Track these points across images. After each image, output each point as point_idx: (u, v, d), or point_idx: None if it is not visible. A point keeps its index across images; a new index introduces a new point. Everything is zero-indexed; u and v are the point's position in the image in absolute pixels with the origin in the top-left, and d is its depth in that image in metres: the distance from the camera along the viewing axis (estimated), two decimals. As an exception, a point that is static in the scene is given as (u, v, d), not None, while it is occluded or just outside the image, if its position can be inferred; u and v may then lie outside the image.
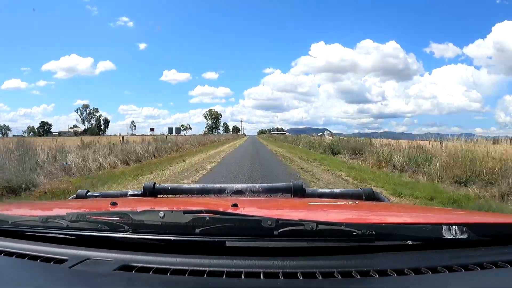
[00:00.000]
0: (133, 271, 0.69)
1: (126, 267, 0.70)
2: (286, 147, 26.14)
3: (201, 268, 0.69)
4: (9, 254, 0.79)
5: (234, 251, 0.74)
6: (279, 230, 0.73)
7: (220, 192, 1.36)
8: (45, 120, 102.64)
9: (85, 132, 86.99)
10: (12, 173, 6.33)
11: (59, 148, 9.95)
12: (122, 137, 16.44)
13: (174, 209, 0.90)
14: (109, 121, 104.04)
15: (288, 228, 0.74)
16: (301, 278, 0.67)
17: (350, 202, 1.23)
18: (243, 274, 0.67)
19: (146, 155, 13.88)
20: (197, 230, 0.75)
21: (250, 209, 1.12)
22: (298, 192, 1.32)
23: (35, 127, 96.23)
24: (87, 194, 1.36)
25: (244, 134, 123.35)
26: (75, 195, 1.38)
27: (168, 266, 0.70)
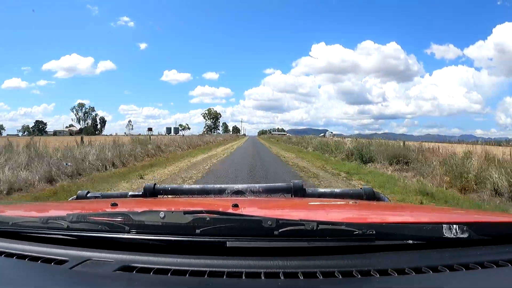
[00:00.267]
0: (134, 272, 0.69)
1: (126, 268, 0.70)
2: (294, 151, 21.81)
3: (202, 269, 0.69)
4: (9, 255, 0.79)
5: (234, 251, 0.74)
6: (280, 230, 0.73)
7: (220, 192, 1.36)
8: (41, 119, 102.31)
9: (80, 131, 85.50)
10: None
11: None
12: (82, 138, 12.22)
13: (175, 209, 0.90)
14: (105, 121, 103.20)
15: (288, 228, 0.74)
16: (301, 278, 0.66)
17: (351, 201, 1.23)
18: (243, 275, 0.67)
19: (96, 164, 9.57)
20: (197, 231, 0.75)
21: (251, 209, 1.12)
22: (299, 192, 1.32)
23: (30, 127, 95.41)
24: (88, 195, 1.36)
25: (244, 135, 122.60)
26: (75, 196, 1.38)
27: (168, 267, 0.70)
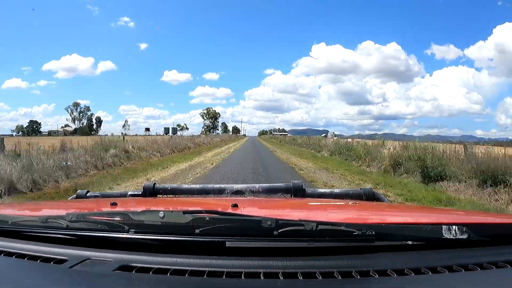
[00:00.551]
0: (133, 271, 0.69)
1: (126, 267, 0.70)
2: (306, 156, 16.72)
3: (201, 269, 0.69)
4: (9, 254, 0.79)
5: (234, 251, 0.74)
6: (279, 230, 0.73)
7: (220, 192, 1.36)
8: (35, 120, 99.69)
9: (75, 131, 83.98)
10: None
11: None
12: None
13: (174, 209, 0.90)
14: (101, 121, 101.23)
15: (288, 228, 0.74)
16: (301, 278, 0.66)
17: (350, 202, 1.24)
18: (243, 275, 0.67)
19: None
20: (197, 230, 0.75)
21: (250, 209, 1.12)
22: (298, 192, 1.32)
23: (24, 126, 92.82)
24: (87, 194, 1.36)
25: (244, 135, 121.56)
26: (75, 195, 1.38)
27: (168, 266, 0.70)
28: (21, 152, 8.46)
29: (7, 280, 0.69)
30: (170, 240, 0.77)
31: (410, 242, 0.76)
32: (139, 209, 0.88)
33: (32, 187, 6.63)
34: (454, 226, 0.77)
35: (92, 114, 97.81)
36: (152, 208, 0.95)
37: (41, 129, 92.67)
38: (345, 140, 21.08)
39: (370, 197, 1.30)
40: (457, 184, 6.96)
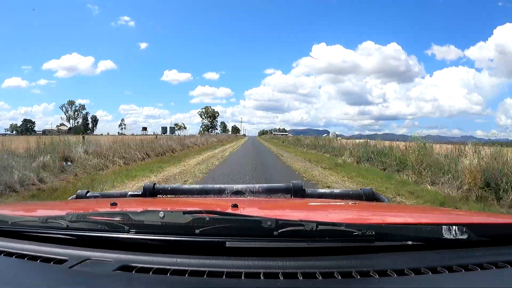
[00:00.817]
0: (133, 272, 0.69)
1: (126, 268, 0.70)
2: (331, 166, 11.70)
3: (201, 269, 0.69)
4: (9, 254, 0.79)
5: (234, 251, 0.74)
6: (279, 231, 0.73)
7: (220, 192, 1.36)
8: (28, 119, 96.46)
9: (69, 130, 79.63)
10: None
11: None
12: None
13: (174, 209, 0.90)
14: (97, 120, 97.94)
15: (288, 229, 0.74)
16: (301, 278, 0.67)
17: (350, 202, 1.24)
18: (243, 275, 0.67)
19: None
20: (197, 231, 0.75)
21: (250, 209, 1.12)
22: (298, 192, 1.32)
23: (18, 125, 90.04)
24: (87, 195, 1.36)
25: (244, 135, 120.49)
26: (75, 195, 1.38)
27: (168, 267, 0.70)
28: None
29: (7, 280, 0.69)
30: (170, 240, 0.77)
31: (410, 242, 0.76)
32: (139, 209, 0.88)
33: None
34: (454, 226, 0.77)
35: (87, 113, 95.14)
36: (152, 208, 0.95)
37: (36, 128, 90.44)
38: (362, 141, 15.95)
39: (370, 197, 1.30)
40: None
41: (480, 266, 0.71)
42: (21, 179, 6.47)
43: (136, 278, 0.67)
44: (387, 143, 12.81)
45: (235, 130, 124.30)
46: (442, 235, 0.76)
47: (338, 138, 24.86)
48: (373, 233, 0.74)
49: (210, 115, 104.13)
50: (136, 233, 0.79)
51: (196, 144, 26.01)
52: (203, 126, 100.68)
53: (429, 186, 7.20)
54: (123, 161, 11.46)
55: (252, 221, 0.76)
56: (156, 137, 21.48)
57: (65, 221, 0.83)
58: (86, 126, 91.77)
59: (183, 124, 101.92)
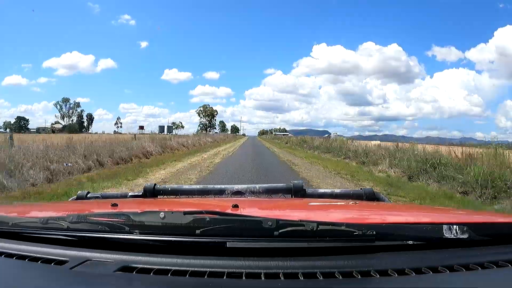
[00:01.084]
0: (134, 272, 0.69)
1: (126, 268, 0.71)
2: (382, 181, 8.30)
3: (202, 269, 0.69)
4: (9, 255, 0.79)
5: (234, 251, 0.74)
6: (280, 231, 0.73)
7: (220, 193, 1.36)
8: (22, 116, 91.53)
9: (63, 129, 77.01)
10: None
11: None
12: None
13: (175, 210, 0.90)
14: (93, 118, 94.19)
15: (288, 229, 0.74)
16: (302, 278, 0.67)
17: (351, 202, 1.24)
18: (243, 275, 0.67)
19: None
20: (197, 231, 0.75)
21: (251, 209, 1.12)
22: (299, 192, 1.32)
23: (12, 123, 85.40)
24: (88, 195, 1.36)
25: (243, 135, 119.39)
26: (75, 196, 1.38)
27: (168, 267, 0.70)
28: None
29: (8, 282, 0.69)
30: (171, 240, 0.77)
31: (410, 242, 0.76)
32: (140, 210, 0.88)
33: None
34: (454, 226, 0.77)
35: (82, 111, 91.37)
36: (153, 209, 0.95)
37: (29, 126, 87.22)
38: (390, 144, 13.33)
39: (371, 197, 1.30)
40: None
41: (481, 266, 0.71)
42: None
43: (137, 279, 0.68)
44: (419, 146, 10.62)
45: (235, 129, 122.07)
46: (442, 234, 0.76)
47: (351, 139, 21.78)
48: (374, 232, 0.74)
49: (209, 113, 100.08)
50: (137, 233, 0.79)
51: (184, 146, 21.20)
52: (201, 125, 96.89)
53: None
54: (48, 174, 7.55)
55: (253, 221, 0.76)
56: (135, 136, 17.08)
57: (66, 222, 0.83)
58: (81, 124, 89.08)
59: (181, 123, 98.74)
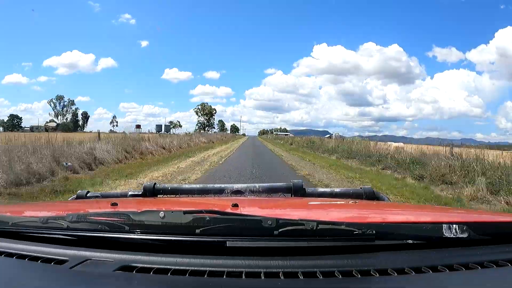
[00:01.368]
0: (134, 272, 0.69)
1: (126, 268, 0.71)
2: None
3: (202, 268, 0.69)
4: (9, 255, 0.79)
5: (234, 251, 0.74)
6: (280, 230, 0.73)
7: (220, 192, 1.36)
8: (15, 114, 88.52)
9: (57, 127, 73.71)
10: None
11: None
12: None
13: (175, 209, 0.90)
14: (88, 116, 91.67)
15: (288, 228, 0.74)
16: (301, 277, 0.67)
17: (351, 201, 1.24)
18: (243, 274, 0.67)
19: None
20: (197, 230, 0.75)
21: (251, 209, 1.12)
22: (298, 191, 1.32)
23: (5, 121, 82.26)
24: (87, 195, 1.36)
25: (243, 134, 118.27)
26: (75, 195, 1.38)
27: (168, 266, 0.70)
28: None
29: (7, 281, 0.69)
30: (171, 240, 0.77)
31: (410, 241, 0.76)
32: (140, 209, 0.88)
33: None
34: (454, 225, 0.77)
35: (77, 109, 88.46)
36: (153, 208, 0.95)
37: (23, 124, 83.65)
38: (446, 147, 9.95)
39: (371, 196, 1.30)
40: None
41: (480, 265, 0.71)
42: None
43: (137, 278, 0.67)
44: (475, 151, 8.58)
45: (234, 129, 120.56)
46: (442, 233, 0.76)
47: (375, 141, 16.94)
48: (374, 232, 0.74)
49: (207, 112, 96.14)
50: (137, 233, 0.79)
51: (165, 148, 16.73)
52: (199, 124, 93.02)
53: None
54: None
55: (253, 221, 0.76)
56: (99, 136, 12.75)
57: (66, 222, 0.83)
58: (76, 123, 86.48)
59: (178, 122, 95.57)
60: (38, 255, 0.78)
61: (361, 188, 1.34)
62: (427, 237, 0.77)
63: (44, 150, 8.40)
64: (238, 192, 1.35)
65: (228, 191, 1.35)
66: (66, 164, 8.46)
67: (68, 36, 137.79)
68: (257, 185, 1.37)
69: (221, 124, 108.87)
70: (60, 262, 0.74)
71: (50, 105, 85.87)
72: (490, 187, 6.57)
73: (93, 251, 0.78)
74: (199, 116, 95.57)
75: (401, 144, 14.31)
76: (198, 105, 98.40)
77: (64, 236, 0.83)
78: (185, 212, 0.78)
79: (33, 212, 1.16)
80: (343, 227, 0.75)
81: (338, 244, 0.75)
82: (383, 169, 11.17)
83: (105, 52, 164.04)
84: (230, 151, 20.68)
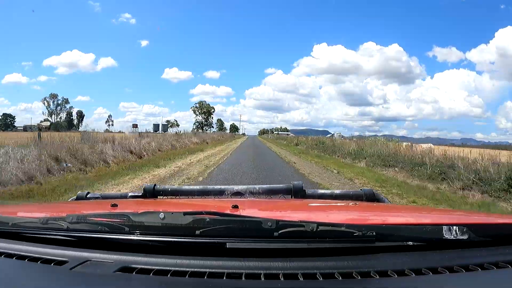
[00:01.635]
0: (134, 273, 0.69)
1: (126, 269, 0.71)
2: None
3: (202, 270, 0.69)
4: (9, 255, 0.79)
5: (234, 252, 0.74)
6: (280, 231, 0.73)
7: (220, 193, 1.36)
8: (8, 113, 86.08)
9: (50, 126, 70.44)
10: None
11: None
12: None
13: (175, 210, 0.90)
14: (83, 115, 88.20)
15: (288, 229, 0.74)
16: (301, 279, 0.67)
17: (351, 203, 1.24)
18: (243, 276, 0.67)
19: None
20: (197, 232, 0.75)
21: (251, 210, 1.12)
22: (299, 193, 1.32)
23: None
24: (87, 196, 1.36)
25: (243, 134, 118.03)
26: (75, 196, 1.38)
27: (168, 268, 0.70)
28: None
29: (7, 282, 0.69)
30: (171, 241, 0.77)
31: (410, 243, 0.77)
32: (140, 210, 0.88)
33: None
34: (454, 227, 0.77)
35: (71, 108, 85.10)
36: (153, 209, 0.95)
37: (17, 124, 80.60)
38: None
39: (371, 198, 1.30)
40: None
41: (480, 267, 0.71)
42: None
43: (137, 279, 0.67)
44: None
45: (234, 128, 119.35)
46: (442, 235, 0.76)
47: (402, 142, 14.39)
48: (374, 233, 0.74)
49: (205, 111, 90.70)
50: (137, 234, 0.79)
51: (133, 153, 12.44)
52: (197, 124, 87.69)
53: None
54: None
55: (253, 222, 0.76)
56: (39, 137, 10.01)
57: (66, 222, 0.83)
58: (70, 122, 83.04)
59: (176, 121, 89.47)
60: (38, 256, 0.78)
61: (361, 189, 1.34)
62: (427, 239, 0.77)
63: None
64: (238, 193, 1.35)
65: (228, 192, 1.35)
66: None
67: (68, 35, 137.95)
68: (257, 186, 1.37)
69: (220, 123, 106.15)
70: (60, 263, 0.74)
71: (44, 104, 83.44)
72: None
73: (93, 252, 0.78)
74: (197, 115, 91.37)
75: (430, 146, 11.52)
76: (195, 103, 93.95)
77: (64, 237, 0.83)
78: (185, 213, 0.78)
79: (33, 213, 1.16)
80: (343, 228, 0.74)
81: (338, 245, 0.75)
82: (442, 180, 7.82)
83: (105, 51, 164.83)
84: (224, 155, 16.13)
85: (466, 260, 0.73)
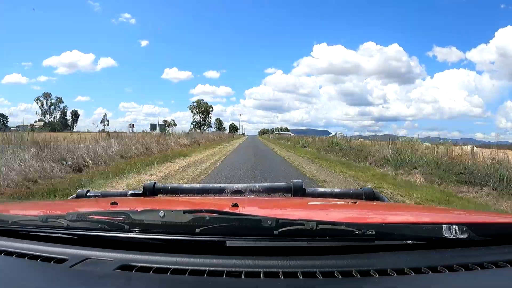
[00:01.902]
0: (133, 271, 0.69)
1: (126, 267, 0.71)
2: None
3: (201, 268, 0.69)
4: (9, 253, 0.79)
5: (234, 250, 0.74)
6: (279, 230, 0.73)
7: (220, 191, 1.36)
8: (2, 113, 78.85)
9: (44, 126, 66.15)
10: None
11: None
12: None
13: (175, 208, 0.90)
14: (78, 115, 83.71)
15: (288, 228, 0.74)
16: (301, 277, 0.67)
17: (351, 201, 1.24)
18: (243, 274, 0.67)
19: None
20: (197, 230, 0.75)
21: (250, 208, 1.12)
22: (298, 191, 1.32)
23: None
24: (87, 194, 1.36)
25: (243, 134, 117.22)
26: (75, 194, 1.38)
27: (168, 266, 0.70)
28: None
29: (7, 280, 0.69)
30: (171, 239, 0.77)
31: (410, 242, 0.76)
32: (140, 208, 0.88)
33: None
34: (454, 226, 0.77)
35: (65, 107, 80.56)
36: (152, 208, 0.95)
37: (9, 123, 73.04)
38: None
39: (371, 196, 1.30)
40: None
41: (480, 266, 0.71)
42: None
43: (136, 278, 0.67)
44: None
45: (233, 128, 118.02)
46: (442, 234, 0.76)
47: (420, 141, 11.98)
48: (374, 232, 0.74)
49: (203, 110, 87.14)
50: (137, 232, 0.79)
51: (90, 160, 9.01)
52: (195, 123, 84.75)
53: None
54: None
55: (252, 220, 0.76)
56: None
57: (66, 220, 0.83)
58: (65, 122, 79.26)
59: (173, 120, 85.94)
60: (37, 254, 0.77)
61: (361, 188, 1.34)
62: (427, 238, 0.77)
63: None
64: (238, 192, 1.35)
65: (228, 191, 1.35)
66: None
67: (68, 35, 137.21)
68: (257, 185, 1.38)
69: (219, 122, 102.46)
70: (60, 261, 0.74)
71: (37, 103, 78.16)
72: None
73: (93, 250, 0.78)
74: (195, 114, 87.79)
75: (469, 148, 9.32)
76: (193, 102, 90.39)
77: (64, 235, 0.83)
78: (185, 212, 0.78)
79: (33, 211, 1.16)
80: (343, 227, 0.75)
81: (338, 244, 0.75)
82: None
83: (105, 51, 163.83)
84: (214, 161, 12.31)
85: (466, 259, 0.73)
